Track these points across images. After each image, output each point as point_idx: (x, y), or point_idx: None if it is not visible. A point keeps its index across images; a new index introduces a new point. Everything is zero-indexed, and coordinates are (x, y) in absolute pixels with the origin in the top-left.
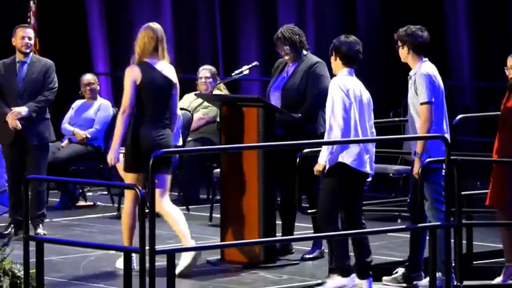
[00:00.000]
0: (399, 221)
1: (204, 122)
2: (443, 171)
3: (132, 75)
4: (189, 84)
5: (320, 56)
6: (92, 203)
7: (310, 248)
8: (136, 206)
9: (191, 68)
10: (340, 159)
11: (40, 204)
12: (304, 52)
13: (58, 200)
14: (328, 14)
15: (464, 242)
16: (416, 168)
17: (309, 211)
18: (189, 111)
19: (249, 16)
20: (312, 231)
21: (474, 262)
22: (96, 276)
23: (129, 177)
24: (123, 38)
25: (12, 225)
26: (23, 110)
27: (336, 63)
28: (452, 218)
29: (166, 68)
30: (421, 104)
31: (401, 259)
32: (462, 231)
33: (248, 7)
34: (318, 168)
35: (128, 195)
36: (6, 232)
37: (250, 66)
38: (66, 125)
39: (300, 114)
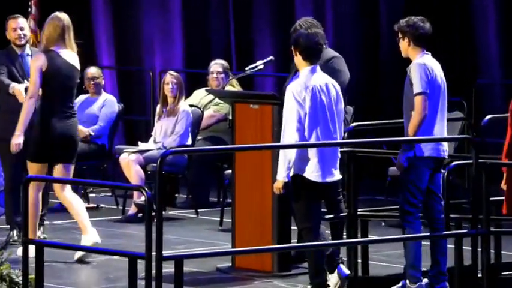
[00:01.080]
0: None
1: (215, 119)
2: (424, 171)
3: (38, 62)
4: (199, 79)
5: (338, 50)
6: (94, 205)
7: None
8: (39, 194)
9: (202, 62)
10: (296, 172)
11: (42, 205)
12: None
13: (59, 201)
14: (347, 5)
15: (492, 251)
16: (401, 160)
17: (327, 216)
18: (199, 108)
19: (264, 7)
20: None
21: (503, 273)
22: (99, 282)
23: (34, 168)
24: (129, 30)
25: (16, 229)
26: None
27: (297, 58)
28: (479, 225)
29: (71, 56)
30: (415, 95)
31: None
32: (490, 239)
33: None
34: (277, 185)
35: (31, 174)
36: (15, 238)
37: (265, 61)
38: None
39: None
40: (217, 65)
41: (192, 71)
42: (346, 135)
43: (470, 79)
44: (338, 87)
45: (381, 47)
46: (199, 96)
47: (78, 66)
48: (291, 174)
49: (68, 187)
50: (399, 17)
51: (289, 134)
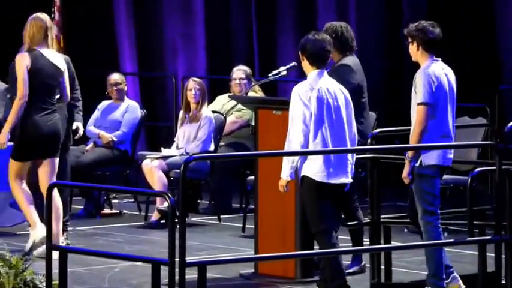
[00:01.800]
0: (446, 234)
1: (237, 125)
2: (435, 178)
3: (24, 62)
4: (222, 85)
5: (361, 53)
6: (117, 211)
7: (349, 262)
8: (22, 182)
9: (224, 68)
10: (303, 173)
11: (64, 211)
12: (347, 54)
13: (82, 207)
14: (370, 9)
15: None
16: (406, 172)
17: (348, 223)
18: (222, 114)
19: (287, 13)
20: (351, 244)
21: None
22: None
23: (17, 166)
24: (151, 36)
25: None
26: (81, 126)
27: (304, 63)
28: (503, 231)
29: (54, 56)
30: (418, 104)
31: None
32: None
33: (286, 3)
34: (280, 183)
35: (12, 171)
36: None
37: (288, 66)
38: (91, 128)
39: None
40: (239, 71)
41: (215, 77)
42: (369, 141)
43: (493, 85)
44: (347, 92)
45: (405, 51)
46: (222, 102)
47: (61, 65)
48: (300, 175)
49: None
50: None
51: (294, 135)
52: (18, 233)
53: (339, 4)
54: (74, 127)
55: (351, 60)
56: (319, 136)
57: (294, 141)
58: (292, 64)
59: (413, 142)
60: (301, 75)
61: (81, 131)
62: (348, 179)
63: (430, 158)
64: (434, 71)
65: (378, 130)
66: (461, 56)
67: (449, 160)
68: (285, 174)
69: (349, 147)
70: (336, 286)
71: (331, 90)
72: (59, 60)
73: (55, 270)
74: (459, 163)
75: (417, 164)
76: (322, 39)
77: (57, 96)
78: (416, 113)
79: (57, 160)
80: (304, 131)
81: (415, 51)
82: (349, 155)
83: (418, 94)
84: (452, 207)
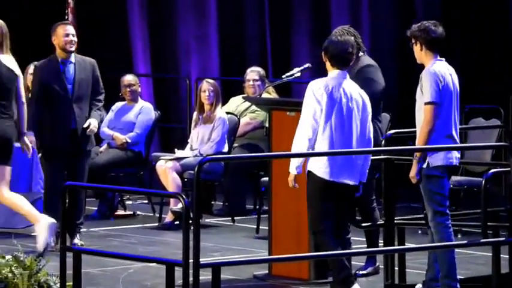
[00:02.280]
0: (459, 235)
1: (251, 127)
2: (443, 179)
3: None
4: (235, 87)
5: (374, 56)
6: (131, 212)
7: (363, 264)
8: (5, 186)
9: (238, 69)
10: (308, 167)
11: (78, 213)
12: (360, 53)
13: (96, 208)
14: (383, 10)
15: None
16: (413, 172)
17: (363, 224)
18: (236, 116)
19: (301, 14)
20: (365, 245)
21: None
22: None
23: None
24: (165, 38)
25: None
26: (96, 123)
27: (327, 65)
28: None
29: (10, 61)
30: (425, 103)
31: (462, 276)
32: None
33: (300, 4)
34: (289, 178)
35: None
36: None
37: (302, 68)
38: (105, 129)
39: None
40: (253, 73)
41: (228, 79)
42: (383, 142)
43: (508, 87)
44: (366, 97)
45: None
46: (236, 103)
47: (17, 71)
48: (307, 169)
49: (5, 187)
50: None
51: (303, 129)
52: (31, 234)
53: (352, 5)
54: (86, 124)
55: (370, 60)
56: (326, 133)
57: (301, 135)
58: (306, 65)
59: (420, 142)
60: (315, 77)
61: (92, 127)
62: (352, 181)
63: (437, 159)
64: (440, 70)
65: (392, 131)
66: (476, 57)
67: (457, 160)
68: (292, 168)
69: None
70: (343, 277)
71: (348, 92)
72: (14, 65)
73: (69, 271)
74: (473, 165)
75: (424, 166)
76: (344, 41)
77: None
78: (424, 113)
79: (7, 169)
80: (313, 127)
81: (419, 52)
82: (359, 157)
83: (425, 94)
84: (466, 208)
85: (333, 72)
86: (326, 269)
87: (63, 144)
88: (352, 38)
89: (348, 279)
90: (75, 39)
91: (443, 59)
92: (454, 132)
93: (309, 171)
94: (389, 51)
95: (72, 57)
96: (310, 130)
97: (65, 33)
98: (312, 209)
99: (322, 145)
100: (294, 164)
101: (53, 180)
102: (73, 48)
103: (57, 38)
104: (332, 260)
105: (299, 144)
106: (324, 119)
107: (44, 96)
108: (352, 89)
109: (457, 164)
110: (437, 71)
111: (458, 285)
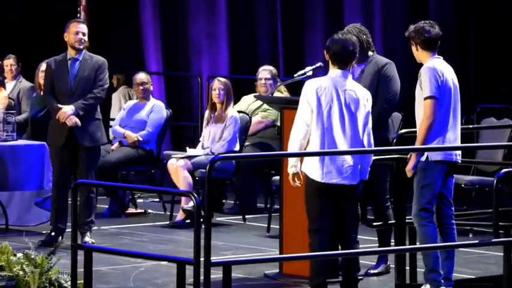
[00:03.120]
0: (471, 235)
1: (263, 125)
2: (438, 175)
3: None
4: (246, 85)
5: (388, 55)
6: (142, 211)
7: (375, 263)
8: None
9: (249, 68)
10: (302, 169)
11: (89, 211)
12: (370, 53)
13: (107, 206)
14: (396, 10)
15: None
16: (410, 165)
17: (375, 224)
18: (247, 114)
19: (313, 11)
20: (377, 244)
21: None
22: None
23: None
24: (177, 36)
25: (54, 233)
26: (70, 108)
27: (329, 62)
28: None
29: None
30: (424, 98)
31: (473, 276)
32: None
33: (312, 1)
34: (289, 177)
35: None
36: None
37: (314, 67)
38: (116, 127)
39: None
40: (265, 71)
41: (239, 77)
42: (395, 141)
43: None
44: (368, 95)
45: None
46: (248, 102)
47: None
48: (301, 169)
49: None
50: (449, 23)
51: (294, 131)
52: (43, 232)
53: (365, 3)
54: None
55: (384, 58)
56: (317, 134)
57: (293, 138)
58: (318, 64)
59: (421, 137)
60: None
61: (60, 112)
62: (346, 182)
63: (436, 154)
64: (439, 66)
65: (403, 131)
66: (488, 57)
67: (456, 157)
68: (289, 168)
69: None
70: (313, 285)
71: (345, 92)
72: None
73: (80, 269)
74: (485, 164)
75: (423, 159)
76: (346, 39)
77: None
78: (424, 108)
79: None
80: (303, 129)
81: (415, 52)
82: (349, 158)
83: (425, 89)
84: (478, 208)
85: (332, 72)
86: (337, 268)
87: (60, 139)
88: (355, 37)
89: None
90: (85, 38)
91: (441, 57)
92: (452, 128)
93: (305, 173)
94: (401, 50)
95: (81, 55)
96: (301, 133)
97: (76, 31)
98: (308, 209)
99: (314, 146)
100: (290, 163)
101: (57, 178)
102: (82, 46)
103: (68, 35)
104: (310, 265)
105: (291, 146)
106: (315, 120)
107: (52, 91)
108: (354, 88)
109: (458, 161)
110: (436, 66)
111: (442, 279)
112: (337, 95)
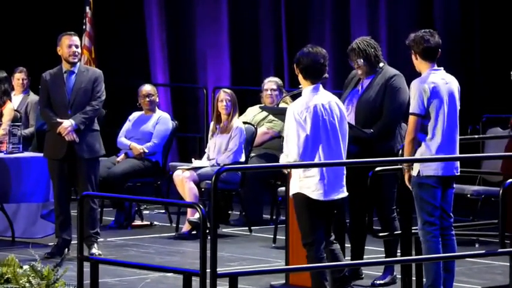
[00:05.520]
0: (477, 245)
1: (268, 136)
2: (435, 189)
3: None
4: (251, 96)
5: (393, 67)
6: (148, 222)
7: (381, 274)
8: None
9: (253, 79)
10: (298, 190)
11: (93, 223)
12: (381, 64)
13: (113, 218)
14: (402, 21)
15: None
16: (407, 180)
17: (381, 234)
18: (253, 125)
19: (319, 21)
20: (384, 255)
21: None
22: None
23: None
24: (183, 48)
25: (60, 245)
26: (70, 123)
27: (300, 77)
28: None
29: None
30: (409, 114)
31: (479, 286)
32: None
33: (317, 11)
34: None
35: None
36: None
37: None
38: (122, 139)
39: (372, 130)
40: (271, 82)
41: (244, 88)
42: (401, 152)
43: None
44: (342, 105)
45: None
46: (253, 113)
47: None
48: (292, 193)
49: None
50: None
51: (290, 156)
52: (49, 244)
53: (371, 15)
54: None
55: (393, 69)
56: (316, 157)
57: (290, 161)
58: (324, 76)
59: (405, 152)
60: (333, 87)
61: (60, 127)
62: (343, 194)
63: (428, 169)
64: (429, 82)
65: None
66: (493, 66)
67: (451, 170)
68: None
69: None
70: None
71: (327, 106)
72: None
73: (86, 281)
74: (490, 174)
75: (415, 174)
76: (316, 52)
77: None
78: (409, 122)
79: None
80: (299, 153)
81: (415, 61)
82: (342, 170)
83: (411, 104)
84: (484, 218)
85: (307, 89)
86: (344, 279)
87: (60, 153)
88: (324, 50)
89: None
90: (78, 50)
91: (441, 68)
92: (446, 142)
93: (299, 193)
94: (407, 62)
95: (76, 68)
96: (297, 157)
97: (69, 44)
98: (302, 224)
99: (314, 168)
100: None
101: (58, 191)
102: (76, 60)
103: (61, 49)
104: (312, 279)
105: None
106: (310, 143)
107: (49, 104)
108: (330, 101)
109: (453, 175)
110: (425, 83)
111: None
112: (324, 109)
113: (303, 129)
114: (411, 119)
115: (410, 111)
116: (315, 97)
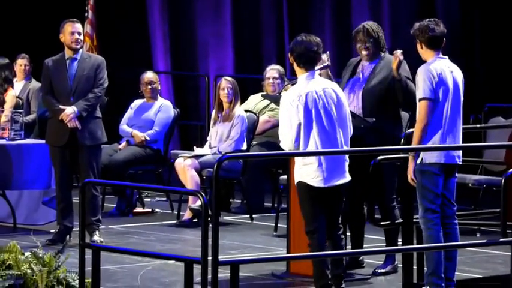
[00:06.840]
0: (478, 235)
1: (270, 125)
2: (437, 176)
3: None
4: (253, 84)
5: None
6: (150, 210)
7: (382, 262)
8: None
9: (255, 67)
10: (299, 179)
11: (95, 210)
12: (382, 54)
13: (114, 205)
14: (404, 11)
15: None
16: (410, 173)
17: (382, 223)
18: (255, 114)
19: (320, 9)
20: (385, 244)
21: None
22: (155, 287)
23: None
24: (185, 36)
25: (61, 232)
26: (72, 110)
27: (294, 65)
28: None
29: None
30: (419, 100)
31: (481, 276)
32: None
33: (319, 1)
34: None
35: None
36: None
37: (321, 66)
38: (124, 126)
39: (374, 119)
40: (273, 71)
41: (246, 76)
42: (403, 141)
43: None
44: (340, 92)
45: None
46: (254, 101)
47: None
48: (296, 181)
49: None
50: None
51: (284, 144)
52: (51, 230)
53: (373, 3)
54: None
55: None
56: (311, 144)
57: (284, 149)
58: (326, 64)
59: (416, 139)
60: (335, 75)
61: (63, 114)
62: (344, 180)
63: (431, 156)
64: (436, 67)
65: (410, 130)
66: (495, 56)
67: (453, 158)
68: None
69: (344, 147)
70: (320, 286)
71: (321, 93)
72: None
73: (88, 268)
74: (492, 164)
75: (418, 161)
76: (309, 40)
77: None
78: (418, 109)
79: None
80: (293, 141)
81: (420, 50)
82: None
83: (419, 90)
84: (485, 207)
85: (301, 77)
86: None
87: (62, 140)
88: (318, 38)
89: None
90: (81, 37)
91: (446, 57)
92: (450, 130)
93: (300, 182)
94: (409, 51)
95: (79, 55)
96: (292, 144)
97: (71, 31)
98: (304, 212)
99: (310, 156)
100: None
101: (60, 178)
102: (78, 46)
103: (63, 36)
104: (314, 266)
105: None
106: (304, 132)
107: (51, 91)
108: (325, 87)
109: (455, 163)
110: (433, 67)
111: (442, 283)
112: (318, 96)
113: (297, 117)
114: (422, 104)
115: (421, 96)
116: (309, 84)
